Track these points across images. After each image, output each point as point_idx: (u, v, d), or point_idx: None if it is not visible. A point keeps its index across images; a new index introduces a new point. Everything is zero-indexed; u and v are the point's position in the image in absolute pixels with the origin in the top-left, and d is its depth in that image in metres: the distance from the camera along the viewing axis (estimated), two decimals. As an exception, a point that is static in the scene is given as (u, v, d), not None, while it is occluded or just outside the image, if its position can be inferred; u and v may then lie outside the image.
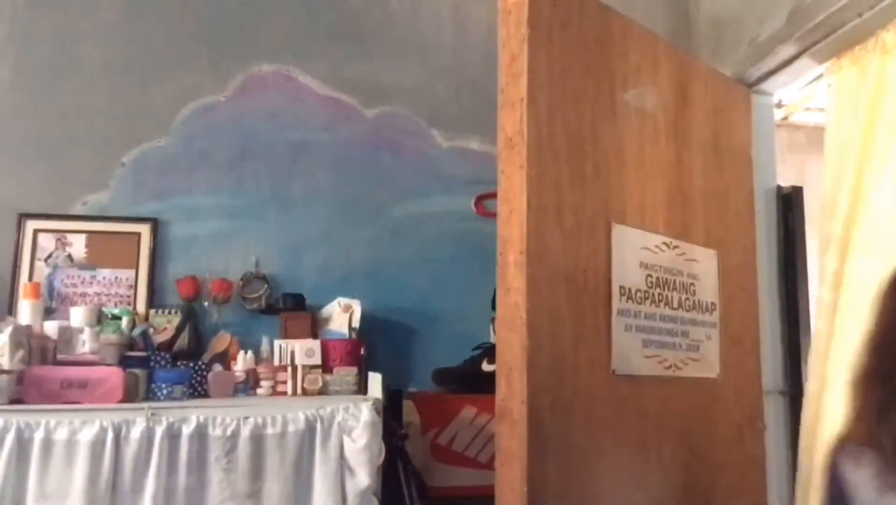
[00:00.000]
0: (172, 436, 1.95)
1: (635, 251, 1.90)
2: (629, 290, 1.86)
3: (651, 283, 1.93)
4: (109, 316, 2.34)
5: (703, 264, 2.11)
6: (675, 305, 2.00)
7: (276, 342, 2.34)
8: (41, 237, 2.52)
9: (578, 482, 1.63)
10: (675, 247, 2.02)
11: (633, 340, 1.86)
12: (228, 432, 1.99)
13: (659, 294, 1.95)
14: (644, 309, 1.90)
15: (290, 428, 2.03)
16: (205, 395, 2.20)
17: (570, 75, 1.75)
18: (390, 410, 2.27)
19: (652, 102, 1.99)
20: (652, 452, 1.87)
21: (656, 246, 1.96)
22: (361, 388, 2.28)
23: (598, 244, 1.80)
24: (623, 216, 1.87)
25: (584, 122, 1.79)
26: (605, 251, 1.81)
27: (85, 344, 2.16)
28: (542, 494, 1.52)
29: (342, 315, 2.48)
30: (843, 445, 1.02)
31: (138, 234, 2.58)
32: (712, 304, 2.12)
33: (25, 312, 2.30)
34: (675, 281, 2.01)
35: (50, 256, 2.51)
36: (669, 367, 1.96)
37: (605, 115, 1.85)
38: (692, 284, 2.06)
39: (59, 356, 2.14)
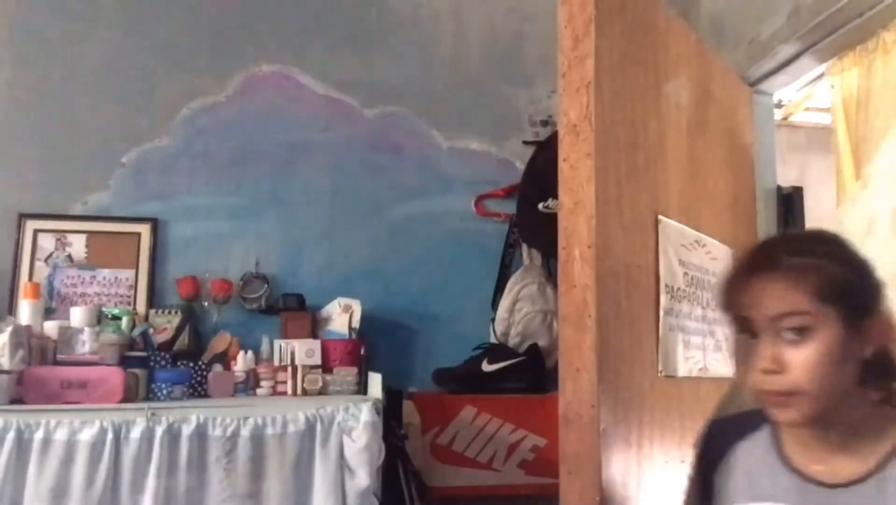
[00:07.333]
0: (172, 436, 1.94)
1: (676, 247, 1.85)
2: (672, 287, 1.81)
3: (688, 281, 1.89)
4: (109, 316, 2.34)
5: (722, 263, 2.07)
6: (705, 304, 1.96)
7: (276, 342, 2.34)
8: (41, 237, 2.51)
9: (638, 487, 1.59)
10: (704, 245, 1.99)
11: (675, 341, 1.81)
12: (228, 432, 1.98)
13: (693, 293, 1.90)
14: (683, 308, 1.85)
15: (290, 428, 2.03)
16: (205, 395, 2.21)
17: (627, 62, 1.69)
18: (390, 410, 2.27)
19: (686, 96, 1.97)
20: (687, 454, 1.82)
21: (690, 244, 1.92)
22: (361, 388, 2.28)
23: (648, 239, 1.74)
24: (667, 210, 1.82)
25: (637, 112, 1.74)
26: (654, 246, 1.75)
27: (85, 344, 2.16)
28: (611, 502, 1.47)
29: (342, 315, 2.48)
30: None
31: (138, 235, 2.58)
32: None
33: (25, 312, 2.30)
34: (704, 280, 1.96)
35: (50, 256, 2.51)
36: (701, 368, 1.92)
37: (652, 105, 1.81)
38: (715, 282, 2.03)
39: (59, 356, 2.13)
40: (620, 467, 1.54)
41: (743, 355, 0.99)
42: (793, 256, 0.96)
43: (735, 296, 0.99)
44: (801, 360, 0.92)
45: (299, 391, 2.25)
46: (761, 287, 0.95)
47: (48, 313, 2.39)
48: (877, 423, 0.96)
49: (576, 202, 1.56)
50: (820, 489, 0.97)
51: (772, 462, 1.03)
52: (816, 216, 2.45)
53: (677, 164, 1.91)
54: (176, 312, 2.46)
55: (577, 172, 1.56)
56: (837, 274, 0.94)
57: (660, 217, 1.78)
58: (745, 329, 0.98)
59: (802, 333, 0.92)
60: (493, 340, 2.69)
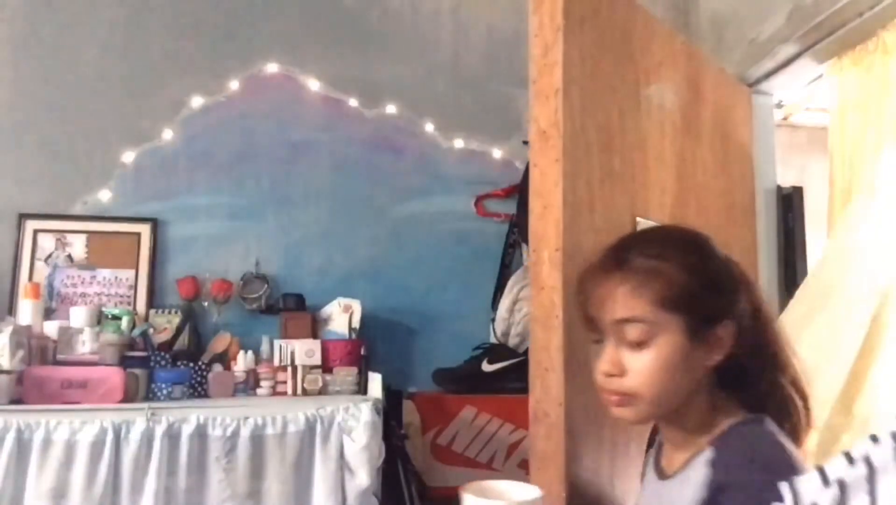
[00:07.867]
0: (172, 436, 1.95)
1: None
2: None
3: None
4: (109, 316, 2.34)
5: None
6: None
7: (276, 342, 2.34)
8: (41, 237, 2.52)
9: (611, 482, 1.62)
10: None
11: None
12: (228, 432, 1.99)
13: None
14: None
15: (290, 428, 2.03)
16: (205, 395, 2.21)
17: (599, 68, 1.72)
18: (390, 410, 2.27)
19: (671, 99, 1.98)
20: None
21: None
22: (361, 388, 2.28)
23: None
24: (646, 212, 1.84)
25: (612, 117, 1.76)
26: None
27: (85, 344, 2.16)
28: (578, 495, 1.50)
29: (342, 315, 2.48)
30: None
31: (138, 235, 2.58)
32: None
33: (25, 312, 2.30)
34: None
35: (50, 256, 2.51)
36: None
37: (630, 109, 1.83)
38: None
39: (59, 356, 2.14)
40: (590, 463, 1.57)
41: (593, 353, 1.02)
42: (642, 258, 0.97)
43: (585, 294, 1.02)
44: (639, 365, 0.95)
45: (299, 391, 2.25)
46: (608, 289, 0.97)
47: (48, 313, 2.40)
48: (713, 423, 0.99)
49: (545, 206, 1.58)
50: (658, 481, 1.05)
51: (653, 453, 1.13)
52: (816, 216, 2.45)
53: (661, 165, 1.92)
54: (176, 312, 2.46)
55: (546, 177, 1.59)
56: (683, 282, 0.95)
57: (638, 219, 1.79)
58: (593, 328, 1.01)
59: (643, 339, 0.94)
60: (493, 340, 2.69)
